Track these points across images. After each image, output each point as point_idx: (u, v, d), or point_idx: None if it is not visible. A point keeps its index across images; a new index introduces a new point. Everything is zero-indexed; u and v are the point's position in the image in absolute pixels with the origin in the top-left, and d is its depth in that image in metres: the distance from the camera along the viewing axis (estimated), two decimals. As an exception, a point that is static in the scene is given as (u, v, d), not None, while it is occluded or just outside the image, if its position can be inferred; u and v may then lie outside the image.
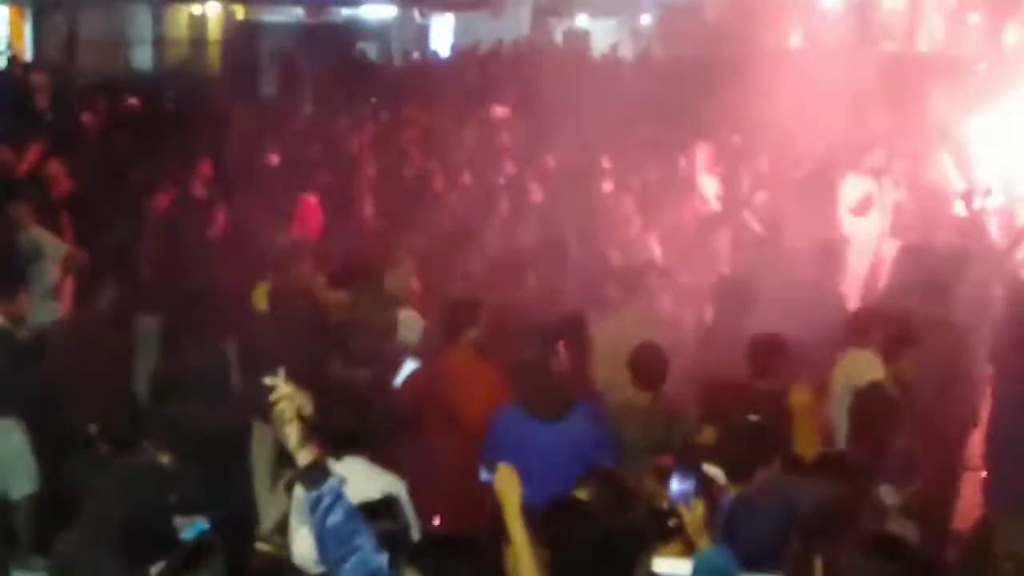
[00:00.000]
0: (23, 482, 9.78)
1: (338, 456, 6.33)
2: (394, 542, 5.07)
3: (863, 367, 9.09)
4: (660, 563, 5.48)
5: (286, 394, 4.72)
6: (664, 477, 5.67)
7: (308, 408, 4.79)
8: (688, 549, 5.38)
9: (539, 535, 5.42)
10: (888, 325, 9.34)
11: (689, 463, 5.80)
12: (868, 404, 8.68)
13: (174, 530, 6.20)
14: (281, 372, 4.80)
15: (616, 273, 11.67)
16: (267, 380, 4.77)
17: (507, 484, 5.48)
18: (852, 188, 14.22)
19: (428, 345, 9.73)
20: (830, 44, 33.26)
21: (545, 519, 5.51)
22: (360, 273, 10.76)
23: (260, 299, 10.63)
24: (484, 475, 5.68)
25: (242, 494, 9.87)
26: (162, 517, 6.44)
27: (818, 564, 5.35)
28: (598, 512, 5.65)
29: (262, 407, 4.89)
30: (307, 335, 9.80)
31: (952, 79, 16.46)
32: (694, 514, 5.35)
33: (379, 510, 5.49)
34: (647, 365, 8.25)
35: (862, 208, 13.88)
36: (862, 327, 9.59)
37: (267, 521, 9.32)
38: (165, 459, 6.92)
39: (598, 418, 7.71)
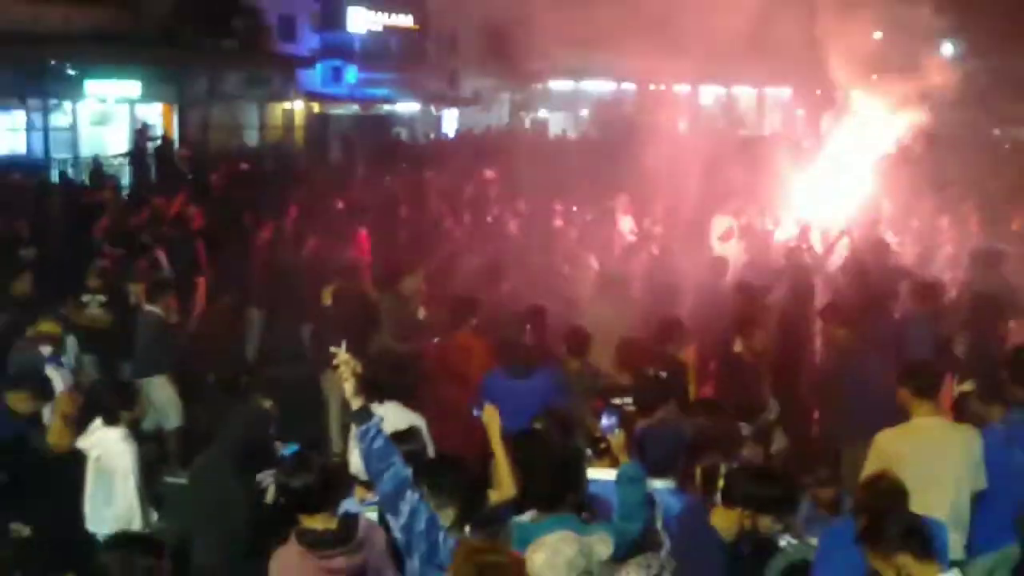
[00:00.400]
0: (173, 418, 9.76)
1: (380, 401, 6.29)
2: (415, 459, 5.06)
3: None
4: (595, 472, 5.47)
5: (344, 359, 4.75)
6: (597, 415, 5.63)
7: (359, 369, 4.78)
8: (614, 463, 5.35)
9: (512, 454, 5.42)
10: (743, 313, 9.32)
11: (613, 406, 5.77)
12: (730, 366, 8.71)
13: (275, 451, 6.16)
14: (344, 345, 4.81)
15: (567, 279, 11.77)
16: (332, 349, 4.78)
17: (491, 417, 5.53)
18: (719, 224, 14.21)
19: (438, 327, 9.74)
20: (705, 128, 33.40)
21: (515, 442, 5.51)
22: (388, 280, 10.80)
23: (327, 297, 10.58)
24: (476, 411, 5.70)
25: (317, 426, 9.89)
26: (266, 442, 6.41)
27: (698, 471, 5.34)
28: (548, 437, 5.67)
29: (330, 366, 4.91)
30: (358, 320, 9.78)
31: (785, 152, 16.40)
32: (617, 440, 5.32)
33: (404, 437, 5.47)
34: (575, 341, 8.25)
35: (726, 237, 13.87)
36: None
37: (338, 444, 9.35)
38: (267, 404, 6.85)
39: (554, 376, 7.68)
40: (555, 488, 4.96)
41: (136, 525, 6.36)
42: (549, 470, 4.98)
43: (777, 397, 8.44)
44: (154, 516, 6.67)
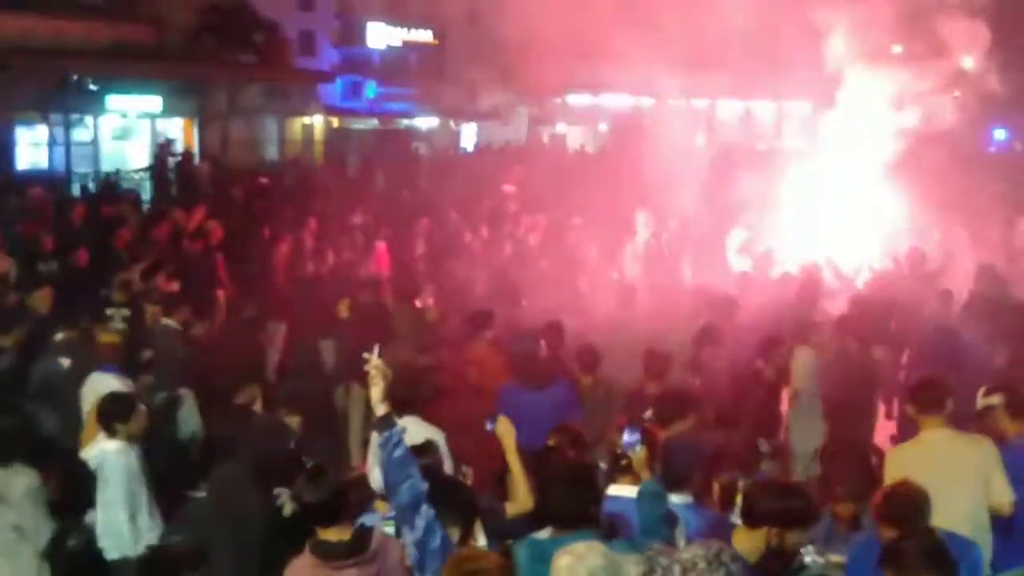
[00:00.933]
0: (194, 430, 9.75)
1: (400, 414, 6.29)
2: (430, 474, 5.07)
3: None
4: (617, 489, 5.45)
5: (376, 364, 4.88)
6: (620, 431, 5.61)
7: (389, 375, 4.91)
8: (636, 480, 5.33)
9: (530, 471, 5.42)
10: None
11: (635, 422, 5.72)
12: (749, 383, 8.64)
13: (297, 464, 6.17)
14: (376, 349, 4.96)
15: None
16: (364, 355, 4.88)
17: (505, 430, 5.55)
18: (735, 238, 14.17)
19: (455, 339, 9.77)
20: (724, 143, 33.28)
21: (533, 460, 5.51)
22: (406, 294, 10.81)
23: (343, 309, 10.61)
24: (489, 425, 5.70)
25: (335, 439, 9.88)
26: (284, 455, 6.42)
27: (715, 486, 5.31)
28: (562, 453, 5.65)
29: (357, 374, 4.95)
30: (379, 332, 9.77)
31: (800, 165, 16.26)
32: (639, 457, 5.30)
33: (421, 451, 5.47)
34: (587, 357, 8.26)
35: (743, 250, 13.83)
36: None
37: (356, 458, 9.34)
38: (294, 420, 6.86)
39: (569, 390, 7.68)
40: (571, 505, 4.92)
41: (124, 539, 6.39)
42: (565, 487, 4.96)
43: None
44: (151, 532, 6.65)
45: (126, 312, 10.21)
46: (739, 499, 4.97)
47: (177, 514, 6.81)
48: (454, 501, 4.87)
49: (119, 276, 11.28)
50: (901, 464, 5.90)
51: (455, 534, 4.77)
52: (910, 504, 4.91)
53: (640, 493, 5.17)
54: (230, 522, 6.11)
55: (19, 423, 6.79)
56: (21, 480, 6.28)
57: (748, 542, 4.64)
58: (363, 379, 5.12)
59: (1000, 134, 36.24)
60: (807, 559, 4.77)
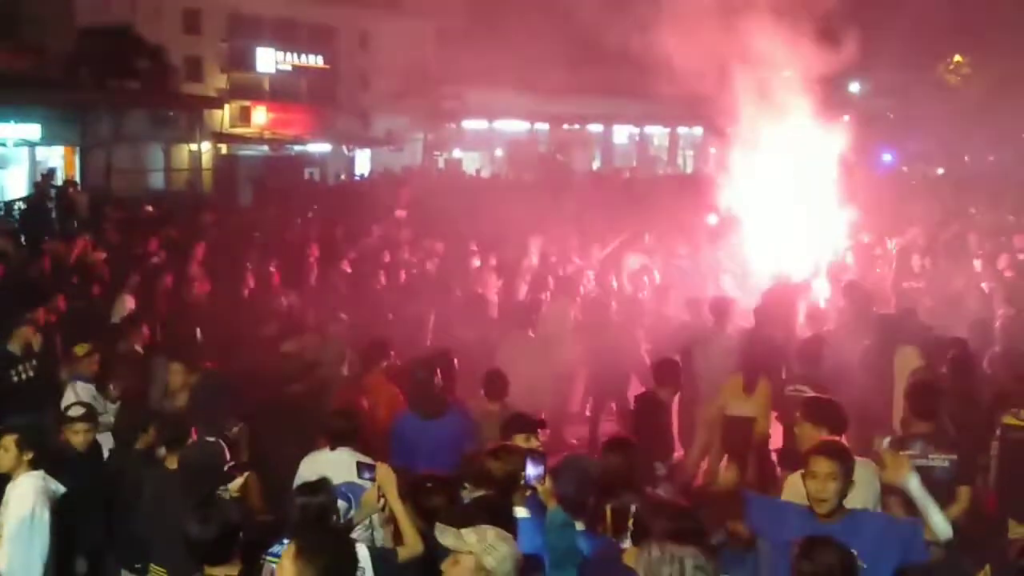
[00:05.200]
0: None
1: (332, 448, 6.60)
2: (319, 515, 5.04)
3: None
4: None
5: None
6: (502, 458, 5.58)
7: None
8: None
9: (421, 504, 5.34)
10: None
11: (538, 454, 5.66)
12: (646, 407, 8.73)
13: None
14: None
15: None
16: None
17: (385, 478, 5.45)
18: (632, 261, 14.40)
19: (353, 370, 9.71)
20: (618, 167, 33.87)
21: (426, 493, 5.41)
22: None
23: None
24: (367, 474, 5.58)
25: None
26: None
27: (608, 512, 5.33)
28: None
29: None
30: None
31: (698, 189, 16.66)
32: (545, 488, 5.31)
33: (313, 489, 5.47)
34: (494, 384, 8.27)
35: (638, 274, 14.07)
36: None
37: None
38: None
39: (464, 418, 7.66)
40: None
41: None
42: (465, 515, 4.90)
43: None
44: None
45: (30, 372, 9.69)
46: (631, 523, 5.01)
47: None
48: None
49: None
50: (796, 490, 5.99)
51: None
52: None
53: (549, 524, 5.17)
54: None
55: None
56: None
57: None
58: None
59: (887, 157, 37.69)
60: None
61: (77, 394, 8.60)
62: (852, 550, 4.52)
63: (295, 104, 40.96)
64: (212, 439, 6.64)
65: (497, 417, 7.91)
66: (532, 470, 5.32)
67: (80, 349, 9.10)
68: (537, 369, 9.96)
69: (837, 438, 5.60)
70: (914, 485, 5.09)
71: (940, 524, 5.09)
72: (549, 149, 46.82)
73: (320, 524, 5.17)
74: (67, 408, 7.56)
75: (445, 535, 4.04)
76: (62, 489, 6.48)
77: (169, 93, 35.36)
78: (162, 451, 6.92)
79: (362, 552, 4.94)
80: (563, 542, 5.10)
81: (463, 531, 4.04)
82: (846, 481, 5.07)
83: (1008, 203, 23.17)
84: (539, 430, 6.58)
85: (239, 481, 6.12)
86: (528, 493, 5.41)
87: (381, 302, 13.23)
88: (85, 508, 6.89)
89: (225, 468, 6.23)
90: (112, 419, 8.20)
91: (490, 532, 4.06)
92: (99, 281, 13.46)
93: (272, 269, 14.56)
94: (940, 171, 40.01)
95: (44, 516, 6.28)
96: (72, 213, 22.68)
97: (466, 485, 5.54)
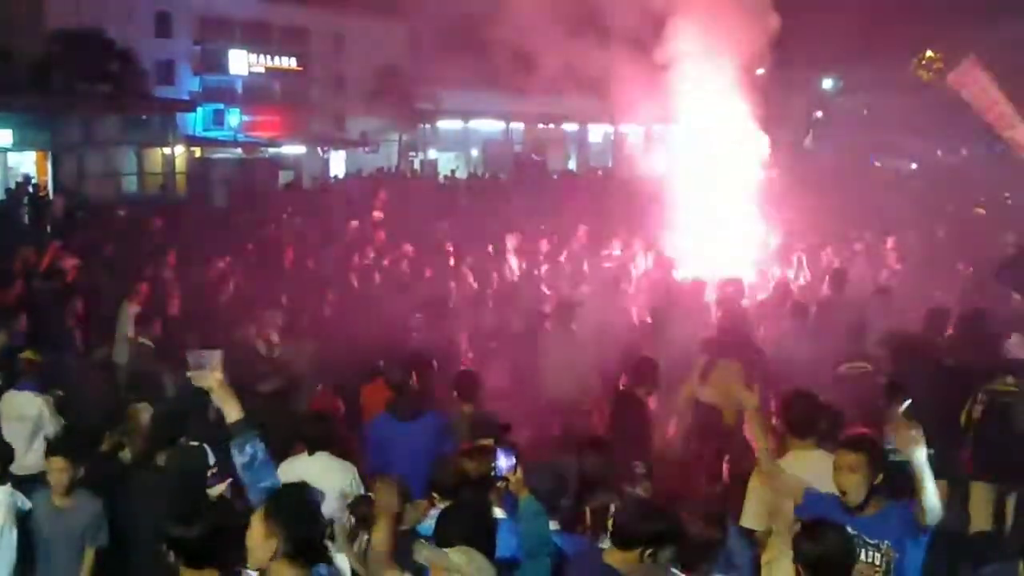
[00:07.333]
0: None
1: (311, 453, 6.46)
2: None
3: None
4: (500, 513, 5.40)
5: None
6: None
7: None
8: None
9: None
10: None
11: (509, 446, 5.64)
12: (625, 407, 8.66)
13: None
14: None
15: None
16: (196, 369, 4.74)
17: (386, 495, 5.29)
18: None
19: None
20: (593, 166, 33.93)
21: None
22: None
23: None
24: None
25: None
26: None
27: (587, 512, 5.30)
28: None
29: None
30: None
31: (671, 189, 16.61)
32: (517, 478, 5.28)
33: None
34: (465, 385, 8.20)
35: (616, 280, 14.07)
36: None
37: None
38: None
39: (440, 419, 7.61)
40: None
41: None
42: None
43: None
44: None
45: None
46: (610, 523, 4.97)
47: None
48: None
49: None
50: (800, 464, 5.92)
51: None
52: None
53: (521, 513, 5.15)
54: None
55: None
56: None
57: (622, 561, 4.61)
58: None
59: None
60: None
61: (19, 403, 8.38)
62: (873, 539, 4.77)
63: (269, 106, 40.83)
64: (196, 443, 6.58)
65: (469, 418, 7.89)
66: (504, 461, 5.33)
67: (28, 355, 8.75)
68: (580, 364, 9.91)
69: (864, 431, 5.52)
70: (918, 458, 5.02)
71: (932, 503, 5.04)
72: (524, 149, 46.84)
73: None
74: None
75: (425, 551, 4.01)
76: (28, 505, 6.33)
77: (141, 96, 35.18)
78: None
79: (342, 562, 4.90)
80: (536, 529, 5.07)
81: (449, 551, 4.01)
82: (872, 473, 5.04)
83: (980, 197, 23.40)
84: (504, 433, 6.51)
85: (221, 487, 6.06)
86: (502, 485, 5.39)
87: (359, 303, 13.14)
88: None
89: (208, 473, 6.18)
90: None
91: (476, 556, 4.04)
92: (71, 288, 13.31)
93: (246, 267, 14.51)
94: (913, 166, 40.28)
95: (11, 533, 6.16)
96: (45, 218, 22.49)
97: (435, 495, 5.50)
